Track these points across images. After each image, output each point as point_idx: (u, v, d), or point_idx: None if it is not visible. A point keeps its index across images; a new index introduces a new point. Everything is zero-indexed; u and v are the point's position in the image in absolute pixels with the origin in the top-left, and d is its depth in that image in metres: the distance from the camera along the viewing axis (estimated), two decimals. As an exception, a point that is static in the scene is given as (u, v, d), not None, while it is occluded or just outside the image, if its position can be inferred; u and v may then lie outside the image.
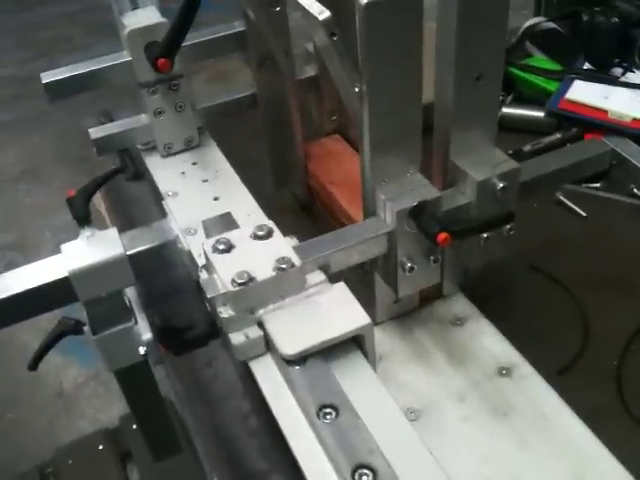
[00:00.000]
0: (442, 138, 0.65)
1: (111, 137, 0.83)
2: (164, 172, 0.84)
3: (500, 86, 0.63)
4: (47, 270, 0.72)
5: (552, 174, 0.69)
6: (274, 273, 0.58)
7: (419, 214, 0.60)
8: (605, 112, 0.98)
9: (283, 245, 0.60)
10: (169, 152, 0.86)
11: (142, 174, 1.02)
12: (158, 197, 0.91)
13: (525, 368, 0.68)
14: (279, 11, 0.78)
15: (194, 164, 0.85)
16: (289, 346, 0.55)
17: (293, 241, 0.63)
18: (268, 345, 0.59)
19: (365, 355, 0.58)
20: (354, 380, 0.55)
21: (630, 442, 0.64)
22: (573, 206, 0.89)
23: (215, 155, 0.86)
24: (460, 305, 0.75)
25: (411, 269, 0.64)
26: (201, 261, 0.71)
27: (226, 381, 0.71)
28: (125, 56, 0.79)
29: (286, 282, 0.58)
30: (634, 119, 0.96)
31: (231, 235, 0.61)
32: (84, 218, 0.76)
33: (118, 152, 1.08)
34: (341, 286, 0.60)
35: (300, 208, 0.94)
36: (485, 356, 0.70)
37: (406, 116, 0.60)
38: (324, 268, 0.62)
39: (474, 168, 0.64)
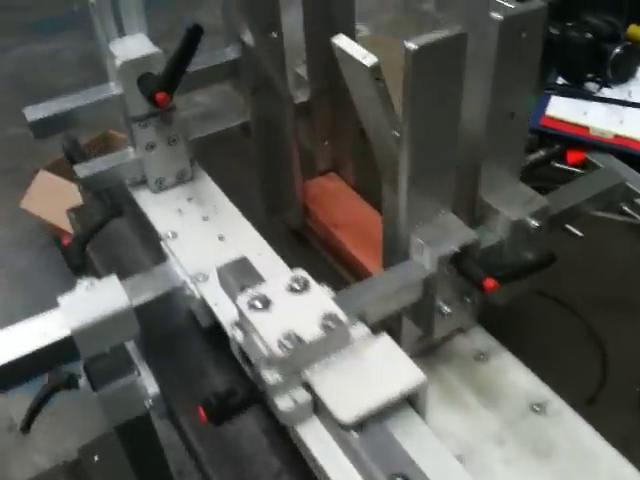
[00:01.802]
0: (470, 174, 0.63)
1: (99, 175, 0.77)
2: (159, 210, 0.78)
3: (528, 121, 0.62)
4: (47, 329, 0.66)
5: (571, 209, 0.68)
6: (322, 332, 0.54)
7: (461, 259, 0.58)
8: (586, 129, 0.99)
9: (324, 299, 0.57)
10: (161, 187, 0.81)
11: (121, 209, 0.96)
12: (144, 234, 0.85)
13: (557, 402, 0.68)
14: (276, 37, 0.75)
15: (189, 200, 0.80)
16: (345, 412, 0.52)
17: (328, 291, 0.60)
18: (316, 407, 0.56)
19: (417, 410, 0.56)
20: (414, 441, 0.53)
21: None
22: (568, 226, 0.90)
23: (210, 189, 0.81)
24: (481, 339, 0.74)
25: (449, 313, 0.62)
26: (220, 310, 0.67)
27: (250, 437, 0.67)
28: (114, 89, 0.73)
29: (333, 340, 0.55)
30: (616, 135, 0.98)
31: (266, 290, 0.58)
32: (81, 267, 0.71)
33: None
34: (385, 338, 0.58)
35: (292, 235, 0.90)
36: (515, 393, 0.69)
37: (443, 158, 0.58)
38: (362, 318, 0.59)
39: (507, 206, 0.62)
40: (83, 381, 0.78)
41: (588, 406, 0.71)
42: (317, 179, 0.89)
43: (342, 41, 0.51)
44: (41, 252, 2.04)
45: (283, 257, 0.75)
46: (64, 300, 0.68)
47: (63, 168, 1.92)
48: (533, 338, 0.77)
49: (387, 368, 0.55)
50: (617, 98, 1.05)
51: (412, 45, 0.49)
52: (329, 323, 0.55)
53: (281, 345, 0.53)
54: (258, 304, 0.56)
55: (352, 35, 0.78)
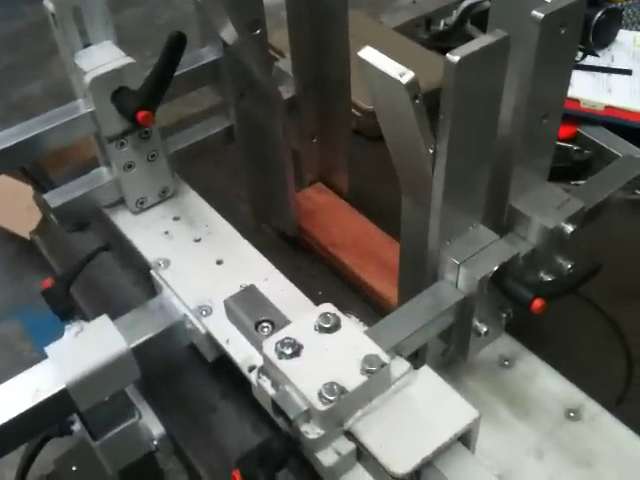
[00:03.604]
0: (500, 181, 0.58)
1: (73, 202, 0.68)
2: (144, 235, 0.70)
3: (559, 121, 0.57)
4: (38, 386, 0.58)
5: (599, 205, 0.64)
6: (365, 378, 0.49)
7: (502, 277, 0.54)
8: (577, 101, 0.95)
9: (359, 336, 0.52)
10: (142, 208, 0.73)
11: (87, 223, 0.87)
12: (129, 262, 0.78)
13: (592, 406, 0.65)
14: (260, 33, 0.67)
15: (176, 219, 0.72)
16: (398, 463, 0.47)
17: (361, 326, 0.55)
18: (359, 454, 0.51)
19: (467, 445, 0.52)
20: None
21: None
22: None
23: (197, 205, 0.74)
24: (503, 343, 0.70)
25: (486, 332, 0.57)
26: (233, 348, 0.61)
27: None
28: (83, 107, 0.65)
29: (375, 383, 0.50)
30: (607, 107, 0.94)
31: (294, 332, 0.52)
32: (68, 311, 0.63)
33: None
34: (427, 371, 0.53)
35: (284, 241, 0.84)
36: (547, 399, 0.66)
37: (479, 169, 0.53)
38: (398, 352, 0.54)
39: (539, 212, 0.58)
40: (77, 427, 0.71)
41: (618, 405, 0.68)
42: (306, 191, 0.83)
43: (371, 54, 0.45)
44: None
45: (279, 267, 0.69)
46: (53, 350, 0.61)
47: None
48: (552, 335, 0.73)
49: (435, 407, 0.51)
50: (602, 65, 1.01)
51: (454, 57, 0.43)
52: (370, 366, 0.49)
53: (322, 397, 0.48)
54: (288, 350, 0.51)
55: (345, 24, 0.71)
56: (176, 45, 0.58)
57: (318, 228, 0.78)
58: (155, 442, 0.69)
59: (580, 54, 1.00)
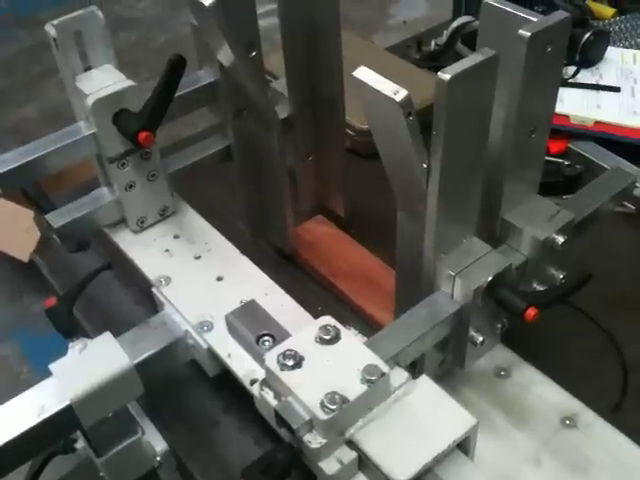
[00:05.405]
0: (491, 194, 0.60)
1: (75, 222, 0.70)
2: (145, 253, 0.72)
3: (548, 136, 0.59)
4: (43, 403, 0.59)
5: (587, 218, 0.66)
6: (365, 387, 0.50)
7: (496, 288, 0.55)
8: (566, 117, 0.97)
9: (359, 347, 0.53)
10: (142, 227, 0.74)
11: (87, 243, 0.88)
12: (130, 279, 0.79)
13: (587, 414, 0.66)
14: (255, 55, 0.69)
15: (176, 237, 0.74)
16: (399, 471, 0.49)
17: (360, 337, 0.56)
18: (360, 462, 0.52)
19: (465, 451, 0.53)
20: (471, 489, 0.50)
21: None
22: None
23: (196, 222, 0.75)
24: (498, 353, 0.71)
25: (482, 342, 0.59)
26: (235, 363, 0.62)
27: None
28: (84, 129, 0.66)
29: (375, 393, 0.51)
30: (596, 122, 0.96)
31: (295, 344, 0.53)
32: (71, 330, 0.65)
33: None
34: (426, 380, 0.54)
35: (280, 256, 0.85)
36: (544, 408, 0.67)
37: (471, 182, 0.54)
38: (397, 362, 0.55)
39: (531, 224, 0.59)
40: (81, 444, 0.72)
41: (614, 414, 0.69)
42: (304, 225, 0.84)
43: (366, 74, 0.46)
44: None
45: (278, 282, 0.70)
46: (57, 367, 0.62)
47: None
48: (548, 345, 0.75)
49: (434, 415, 0.52)
50: (591, 82, 1.03)
51: (445, 76, 0.45)
52: (370, 376, 0.51)
53: (324, 407, 0.49)
54: (289, 362, 0.52)
55: (338, 45, 0.73)
56: (175, 67, 0.60)
57: (317, 259, 0.80)
58: (158, 458, 0.70)
59: (573, 69, 1.02)
